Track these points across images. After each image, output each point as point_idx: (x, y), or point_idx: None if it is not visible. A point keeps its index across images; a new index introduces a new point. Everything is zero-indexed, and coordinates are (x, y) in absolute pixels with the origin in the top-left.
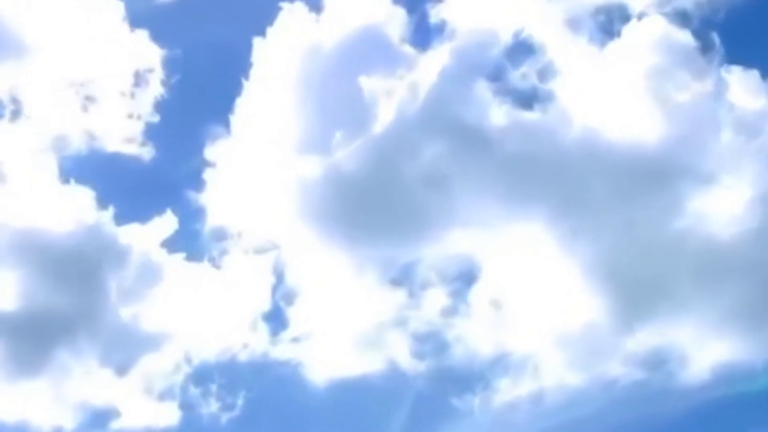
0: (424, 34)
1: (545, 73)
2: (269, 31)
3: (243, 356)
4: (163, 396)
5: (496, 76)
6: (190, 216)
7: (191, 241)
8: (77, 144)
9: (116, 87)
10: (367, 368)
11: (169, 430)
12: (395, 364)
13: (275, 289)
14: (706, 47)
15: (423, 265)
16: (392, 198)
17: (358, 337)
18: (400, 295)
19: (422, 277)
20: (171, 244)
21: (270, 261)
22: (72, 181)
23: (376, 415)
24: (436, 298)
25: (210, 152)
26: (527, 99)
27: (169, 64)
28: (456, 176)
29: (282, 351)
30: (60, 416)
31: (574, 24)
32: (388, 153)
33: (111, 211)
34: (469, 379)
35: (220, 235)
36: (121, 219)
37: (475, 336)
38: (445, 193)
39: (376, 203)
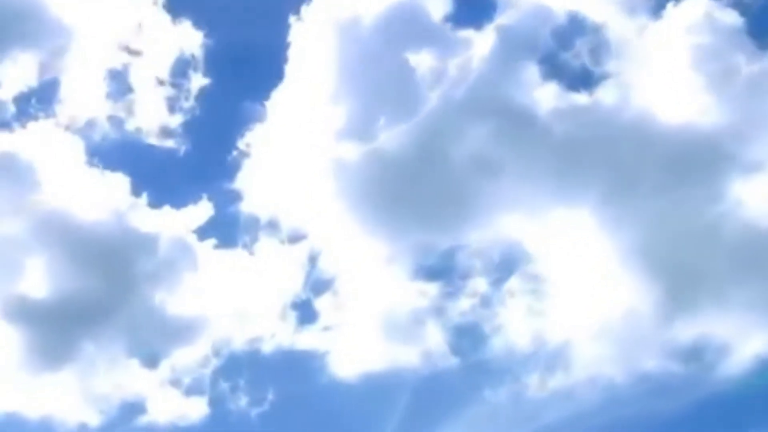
0: (470, 11)
1: (597, 54)
2: (304, 9)
3: (273, 347)
4: (191, 389)
5: (546, 56)
6: (226, 203)
7: (225, 229)
8: (113, 130)
9: (154, 73)
10: (400, 361)
11: (196, 426)
12: (430, 356)
13: (309, 277)
14: (759, 30)
15: (463, 253)
16: (434, 183)
17: (392, 328)
18: (438, 284)
19: (462, 264)
20: (205, 232)
21: (305, 249)
22: (106, 167)
23: (409, 410)
24: (476, 287)
25: (247, 139)
26: (578, 81)
27: (205, 49)
28: (502, 160)
29: (314, 341)
30: (85, 411)
31: (628, 3)
32: (431, 136)
33: (145, 197)
34: (506, 370)
35: (255, 222)
36: (155, 206)
37: (513, 326)
38: (490, 177)
39: (417, 188)
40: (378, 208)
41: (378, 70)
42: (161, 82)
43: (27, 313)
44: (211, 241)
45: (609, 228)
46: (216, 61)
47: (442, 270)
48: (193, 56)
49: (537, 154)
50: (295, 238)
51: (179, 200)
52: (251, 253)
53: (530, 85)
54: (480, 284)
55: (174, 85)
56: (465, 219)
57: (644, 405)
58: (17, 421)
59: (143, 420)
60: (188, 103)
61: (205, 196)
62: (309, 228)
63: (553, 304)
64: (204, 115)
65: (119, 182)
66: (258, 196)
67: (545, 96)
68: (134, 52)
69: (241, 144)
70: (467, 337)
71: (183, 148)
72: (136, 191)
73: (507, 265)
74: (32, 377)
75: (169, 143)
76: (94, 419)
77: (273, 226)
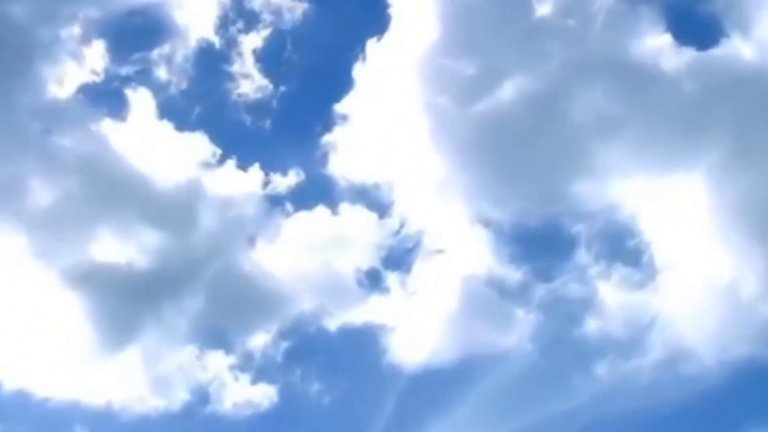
0: None
1: (721, 8)
2: None
3: (349, 322)
4: (260, 374)
5: (670, 9)
6: (314, 169)
7: (312, 196)
8: (198, 90)
9: (250, 43)
10: (484, 340)
11: (266, 414)
12: (517, 333)
13: (396, 247)
14: None
15: (564, 220)
16: (542, 144)
17: (477, 302)
18: (533, 255)
19: (562, 233)
20: (290, 197)
21: (395, 217)
22: (192, 129)
23: (489, 392)
24: (573, 258)
25: (343, 102)
26: (701, 36)
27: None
28: (618, 120)
29: (392, 316)
30: (149, 399)
31: None
32: (540, 93)
33: (233, 162)
34: (598, 350)
35: (344, 188)
36: (241, 170)
37: (610, 302)
38: (602, 139)
39: (523, 150)
40: (478, 172)
41: (486, 21)
42: (255, 50)
43: (92, 283)
44: (297, 207)
45: (719, 196)
46: (316, 22)
47: (539, 239)
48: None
49: (656, 114)
50: (384, 206)
51: (269, 165)
52: (336, 220)
53: (652, 40)
54: (578, 256)
55: (268, 49)
56: (570, 184)
57: (732, 389)
58: (75, 409)
59: (209, 408)
60: (282, 68)
61: (294, 161)
62: (399, 195)
63: (652, 279)
64: (299, 78)
65: (203, 144)
66: (350, 161)
67: (667, 51)
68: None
69: (335, 108)
70: (560, 314)
71: (273, 111)
72: (223, 154)
73: (610, 236)
74: (94, 358)
75: (260, 106)
76: (158, 405)
77: (361, 192)
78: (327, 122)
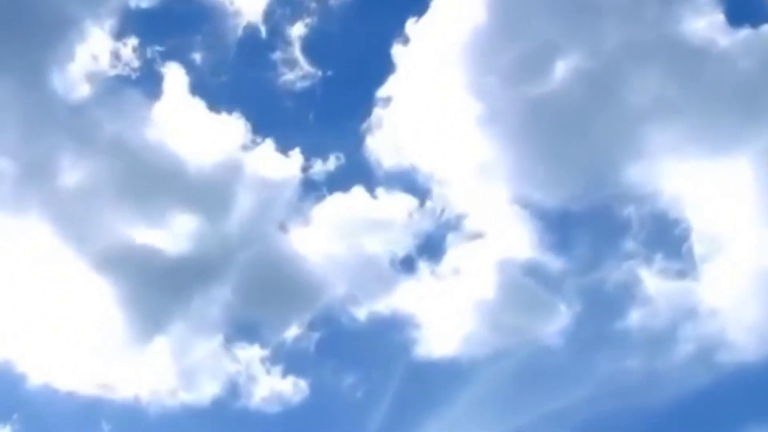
0: None
1: None
2: None
3: (380, 312)
4: (291, 367)
5: None
6: (355, 154)
7: (352, 181)
8: (244, 75)
9: (296, 30)
10: (517, 332)
11: (298, 409)
12: (555, 326)
13: (434, 234)
14: None
15: (610, 206)
16: (587, 129)
17: (514, 291)
18: (574, 243)
19: (607, 220)
20: (327, 183)
21: (436, 203)
22: (228, 110)
23: (525, 387)
24: (618, 246)
25: (384, 87)
26: (757, 14)
27: None
28: (668, 103)
29: (425, 306)
30: (176, 393)
31: None
32: (591, 75)
33: (273, 145)
34: (639, 342)
35: (385, 175)
36: (281, 154)
37: (653, 292)
38: (649, 121)
39: (571, 133)
40: (524, 154)
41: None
42: (300, 36)
43: (122, 269)
44: (336, 191)
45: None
46: (356, 11)
47: (584, 225)
48: None
49: (709, 95)
50: (425, 190)
51: (309, 149)
52: (376, 205)
53: (705, 18)
54: (623, 242)
55: (313, 36)
56: (620, 168)
57: None
58: (101, 404)
59: (240, 403)
60: (326, 52)
61: (336, 145)
62: (442, 179)
63: (699, 267)
64: (341, 63)
65: (241, 126)
66: (392, 145)
67: (721, 30)
68: None
69: (378, 92)
70: (601, 304)
71: (318, 97)
72: (263, 138)
73: (656, 223)
74: (122, 349)
75: (299, 90)
76: (187, 399)
77: (403, 176)
78: (369, 106)
